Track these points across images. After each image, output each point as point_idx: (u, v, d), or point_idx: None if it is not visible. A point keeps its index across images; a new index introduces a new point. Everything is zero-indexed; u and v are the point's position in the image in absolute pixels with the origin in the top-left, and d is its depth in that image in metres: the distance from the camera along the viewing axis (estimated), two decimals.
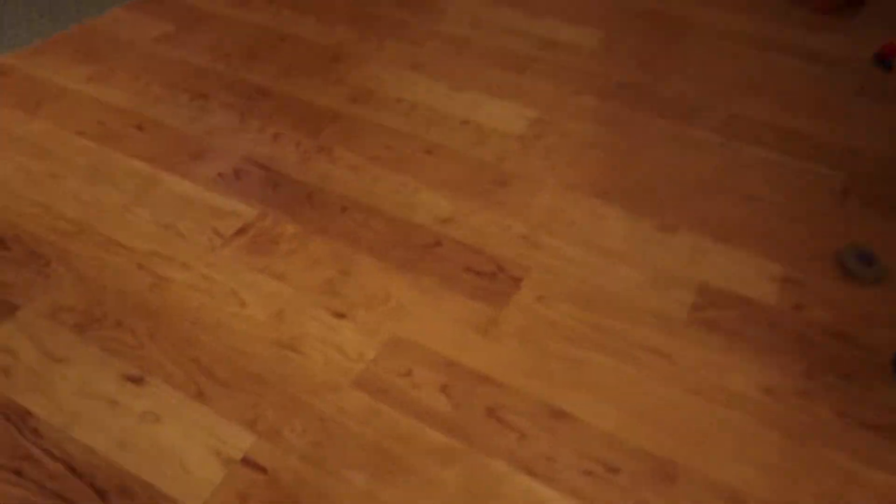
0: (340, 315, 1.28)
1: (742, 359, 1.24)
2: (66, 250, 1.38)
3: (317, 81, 1.93)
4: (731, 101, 1.94)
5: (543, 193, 1.58)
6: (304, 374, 1.18)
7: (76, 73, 1.92)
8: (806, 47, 2.22)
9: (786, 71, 2.09)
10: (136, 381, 1.16)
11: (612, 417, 1.14)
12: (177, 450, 1.06)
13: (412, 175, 1.61)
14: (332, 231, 1.45)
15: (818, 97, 1.98)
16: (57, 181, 1.55)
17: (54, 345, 1.20)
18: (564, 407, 1.15)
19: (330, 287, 1.33)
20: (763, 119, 1.87)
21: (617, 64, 2.08)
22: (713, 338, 1.28)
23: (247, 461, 1.05)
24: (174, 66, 1.97)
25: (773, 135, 1.82)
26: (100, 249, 1.38)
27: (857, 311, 1.34)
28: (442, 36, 2.19)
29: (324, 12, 2.30)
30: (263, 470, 1.05)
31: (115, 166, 1.60)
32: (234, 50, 2.06)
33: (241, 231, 1.44)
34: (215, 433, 1.09)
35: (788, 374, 1.22)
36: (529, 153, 1.70)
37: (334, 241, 1.42)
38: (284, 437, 1.09)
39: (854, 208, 1.59)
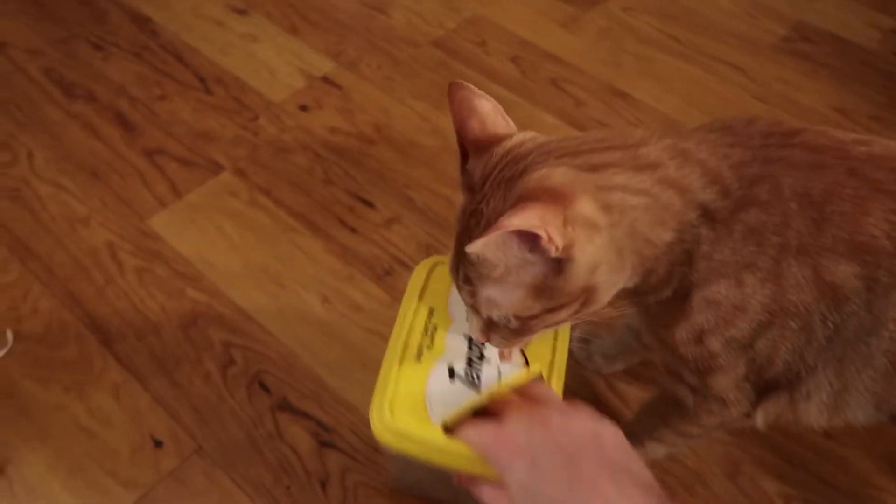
0: None
1: (821, 83, 1.22)
2: None
3: None
4: None
5: None
6: (387, 29, 1.26)
7: None
8: None
9: None
10: (241, 12, 1.28)
11: (673, 105, 1.16)
12: (268, 62, 1.19)
13: None
14: None
15: None
16: None
17: None
18: (627, 90, 1.18)
19: None
20: None
21: None
22: (796, 62, 1.25)
23: (326, 79, 1.17)
24: None
25: None
26: None
27: None
28: None
29: None
30: (339, 87, 1.16)
31: None
32: None
33: None
34: (302, 56, 1.21)
35: (866, 101, 1.19)
36: None
37: None
38: (361, 69, 1.19)
39: None
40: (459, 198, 0.56)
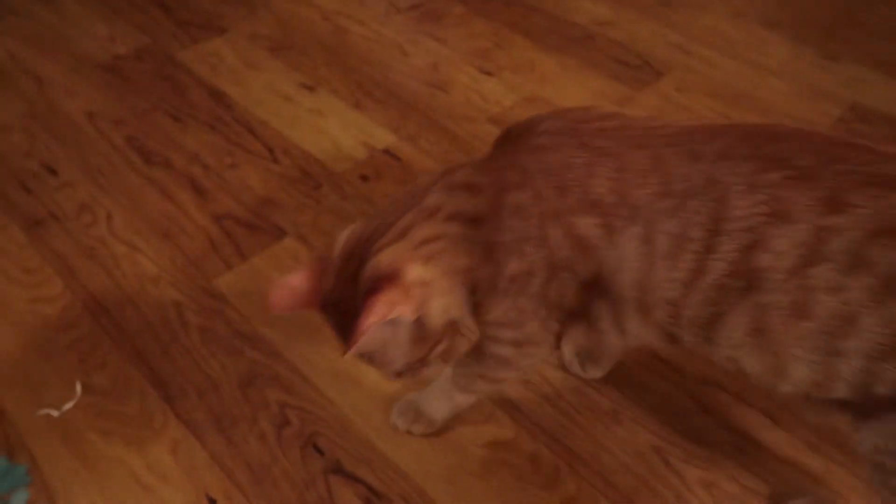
0: (488, 73, 1.40)
1: None
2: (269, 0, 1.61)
3: None
4: None
5: (707, 16, 1.57)
6: (447, 107, 1.32)
7: None
8: None
9: None
10: (309, 88, 1.36)
11: None
12: (333, 135, 1.26)
13: None
14: (495, 16, 1.56)
15: None
16: None
17: (251, 57, 1.44)
18: None
19: (483, 53, 1.45)
20: None
21: None
22: None
23: (387, 151, 1.22)
24: None
25: None
26: (295, 3, 1.60)
27: None
28: None
29: None
30: (399, 159, 1.21)
31: None
32: None
33: (414, 6, 1.59)
34: (365, 130, 1.27)
35: None
36: None
37: (495, 23, 1.54)
38: (420, 144, 1.24)
39: None
40: None
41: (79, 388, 0.89)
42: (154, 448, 0.83)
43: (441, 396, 0.81)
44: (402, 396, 0.86)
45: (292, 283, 0.67)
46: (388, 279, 0.61)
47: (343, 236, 0.67)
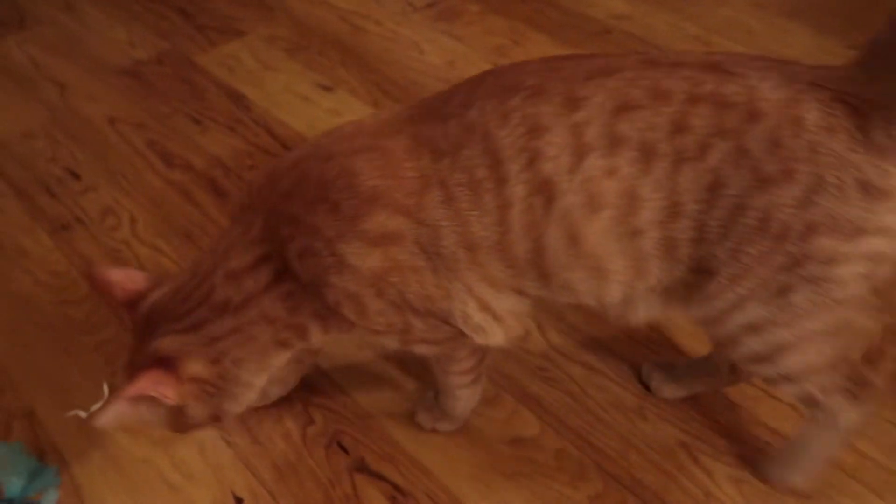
0: None
1: None
2: (285, 1, 1.62)
3: None
4: None
5: (726, 7, 1.56)
6: None
7: None
8: None
9: None
10: (327, 89, 1.37)
11: None
12: None
13: None
14: (511, 12, 1.55)
15: None
16: None
17: (268, 59, 1.45)
18: None
19: (500, 50, 1.45)
20: None
21: None
22: None
23: None
24: None
25: None
26: (311, 4, 1.61)
27: None
28: None
29: None
30: None
31: None
32: None
33: (430, 5, 1.59)
34: None
35: None
36: None
37: (511, 20, 1.53)
38: None
39: None
40: None
41: (106, 389, 0.89)
42: (181, 448, 0.84)
43: (447, 393, 0.81)
44: (426, 394, 0.86)
45: (125, 281, 0.70)
46: (161, 363, 0.64)
47: (166, 287, 0.69)
